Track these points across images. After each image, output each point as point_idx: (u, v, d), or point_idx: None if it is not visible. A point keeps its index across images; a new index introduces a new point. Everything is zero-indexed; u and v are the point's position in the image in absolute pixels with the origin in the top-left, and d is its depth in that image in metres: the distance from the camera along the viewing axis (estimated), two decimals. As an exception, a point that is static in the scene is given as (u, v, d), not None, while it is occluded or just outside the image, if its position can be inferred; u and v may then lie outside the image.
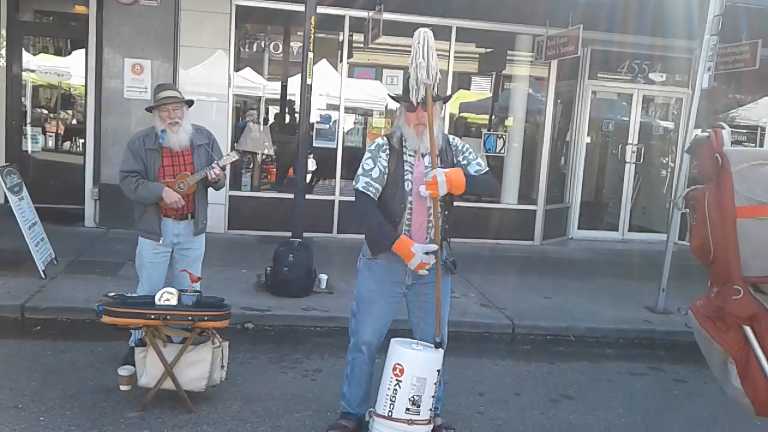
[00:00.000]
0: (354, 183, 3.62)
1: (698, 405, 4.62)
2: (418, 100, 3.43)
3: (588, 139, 10.41)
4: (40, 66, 10.84)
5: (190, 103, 4.49)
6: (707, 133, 2.08)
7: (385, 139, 3.67)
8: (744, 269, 1.96)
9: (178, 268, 4.52)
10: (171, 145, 4.33)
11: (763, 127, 10.73)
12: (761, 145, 10.63)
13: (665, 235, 6.74)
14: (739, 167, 1.99)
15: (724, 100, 11.12)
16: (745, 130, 10.99)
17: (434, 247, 3.53)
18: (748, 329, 1.98)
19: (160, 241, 4.41)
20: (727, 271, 1.99)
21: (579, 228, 10.25)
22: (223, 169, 4.45)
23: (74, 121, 12.45)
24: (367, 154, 3.63)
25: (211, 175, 4.33)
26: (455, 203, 3.73)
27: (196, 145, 4.42)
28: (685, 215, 2.19)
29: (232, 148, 8.86)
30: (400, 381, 3.55)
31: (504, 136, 9.69)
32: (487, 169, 3.77)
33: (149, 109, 4.42)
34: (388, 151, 3.60)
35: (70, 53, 10.99)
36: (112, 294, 4.11)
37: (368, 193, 3.56)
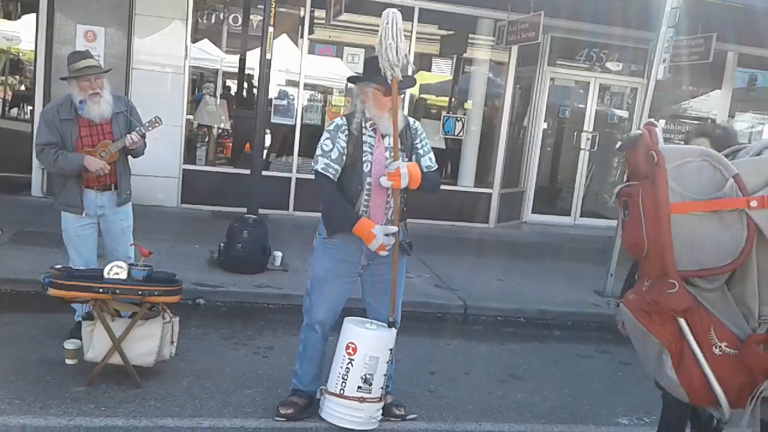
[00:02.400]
0: (313, 164, 3.59)
1: (642, 387, 4.75)
2: (389, 81, 3.40)
3: (545, 125, 10.53)
4: (-13, 29, 10.44)
5: (107, 71, 4.31)
6: (640, 131, 2.13)
7: (344, 119, 3.64)
8: (678, 263, 2.01)
9: (108, 240, 4.42)
10: (92, 116, 4.17)
11: (713, 119, 11.00)
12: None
13: (615, 221, 6.88)
14: (673, 164, 2.04)
15: (677, 91, 11.35)
16: (696, 122, 11.25)
17: (394, 228, 3.54)
18: (682, 322, 2.02)
19: (83, 214, 4.28)
20: (661, 266, 2.03)
21: (533, 212, 10.39)
22: (143, 136, 4.31)
23: (22, 87, 12.04)
24: (325, 135, 3.60)
25: (128, 141, 4.19)
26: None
27: (114, 113, 4.26)
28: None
29: (187, 121, 8.70)
30: (353, 359, 3.57)
31: (463, 119, 9.73)
32: (436, 166, 3.79)
33: (64, 78, 4.25)
34: (347, 132, 3.57)
35: (20, 17, 10.60)
36: (59, 266, 4.00)
37: (328, 174, 3.53)
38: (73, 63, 4.18)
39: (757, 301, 2.01)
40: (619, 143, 2.33)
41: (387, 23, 3.35)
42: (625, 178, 2.32)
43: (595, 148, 10.47)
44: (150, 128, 4.33)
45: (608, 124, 11.21)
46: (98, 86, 4.15)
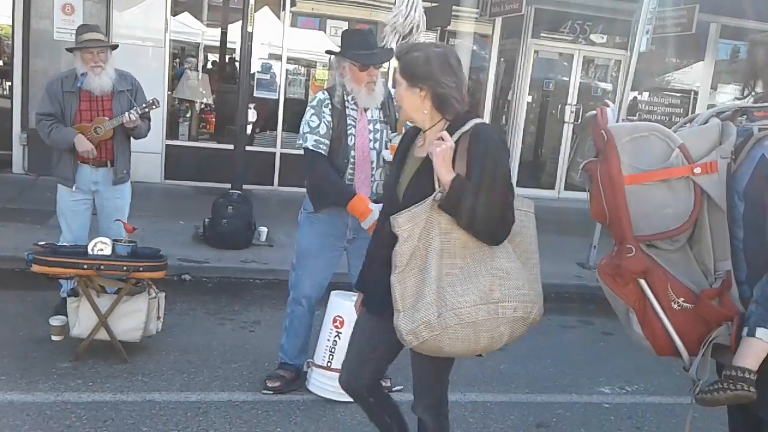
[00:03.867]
0: (301, 141, 3.56)
1: (623, 356, 4.85)
2: (391, 46, 3.40)
3: (529, 99, 10.54)
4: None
5: (114, 47, 4.32)
6: (595, 112, 2.33)
7: (326, 93, 3.62)
8: (636, 229, 2.20)
9: (102, 218, 4.41)
10: (92, 88, 4.16)
11: (696, 91, 11.07)
12: (694, 109, 10.99)
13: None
14: (622, 141, 2.23)
15: (661, 63, 11.39)
16: (679, 94, 11.31)
17: None
18: (642, 282, 2.21)
19: (74, 188, 4.27)
20: (621, 233, 2.23)
21: (517, 186, 10.37)
22: (142, 116, 4.29)
23: (0, 62, 11.82)
24: (310, 111, 3.57)
25: (125, 119, 4.18)
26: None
27: (117, 90, 4.25)
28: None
29: (168, 96, 8.61)
30: (340, 332, 3.60)
31: (447, 93, 9.69)
32: None
33: (70, 50, 4.24)
34: (330, 107, 3.56)
35: (-6, -10, 10.35)
36: (43, 243, 3.99)
37: (319, 150, 3.51)
38: (79, 35, 4.20)
39: (712, 259, 2.19)
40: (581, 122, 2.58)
41: None
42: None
43: (579, 121, 10.49)
44: (147, 109, 4.31)
45: (592, 97, 11.23)
46: (101, 60, 4.15)
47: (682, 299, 2.18)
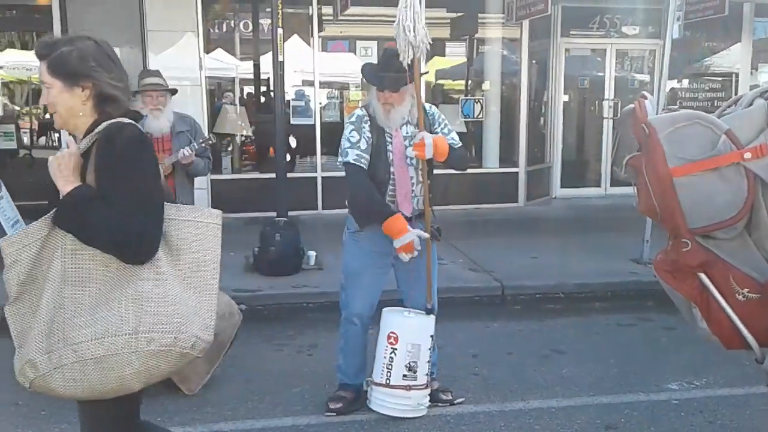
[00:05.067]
0: (342, 157, 3.60)
1: (688, 350, 4.73)
2: (409, 62, 3.43)
3: (565, 98, 10.44)
4: (7, 62, 10.68)
5: (173, 91, 4.52)
6: (633, 105, 2.27)
7: (363, 110, 3.68)
8: (690, 221, 2.14)
9: None
10: (152, 130, 4.35)
11: (736, 74, 10.80)
12: (737, 91, 10.72)
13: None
14: (664, 132, 2.17)
15: (697, 48, 11.16)
16: (720, 78, 11.05)
17: (426, 235, 3.57)
18: (702, 276, 2.15)
19: None
20: (674, 227, 2.17)
21: (562, 187, 10.33)
22: (200, 154, 4.45)
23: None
24: (349, 127, 3.62)
25: (180, 155, 4.34)
26: (434, 171, 3.77)
27: (177, 131, 4.46)
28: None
29: (209, 132, 8.82)
30: (396, 349, 3.61)
31: (481, 101, 9.69)
32: (461, 144, 3.82)
33: (132, 94, 4.43)
34: (369, 122, 3.60)
35: (36, 46, 10.81)
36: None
37: (360, 164, 3.54)
38: (141, 80, 4.44)
39: None
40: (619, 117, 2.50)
41: (405, 7, 3.40)
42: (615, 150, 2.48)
43: (618, 115, 10.33)
44: (203, 144, 4.48)
45: (629, 90, 11.06)
46: (160, 103, 4.38)
47: (747, 289, 2.11)
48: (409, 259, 3.52)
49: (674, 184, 2.13)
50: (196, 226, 2.01)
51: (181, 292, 1.94)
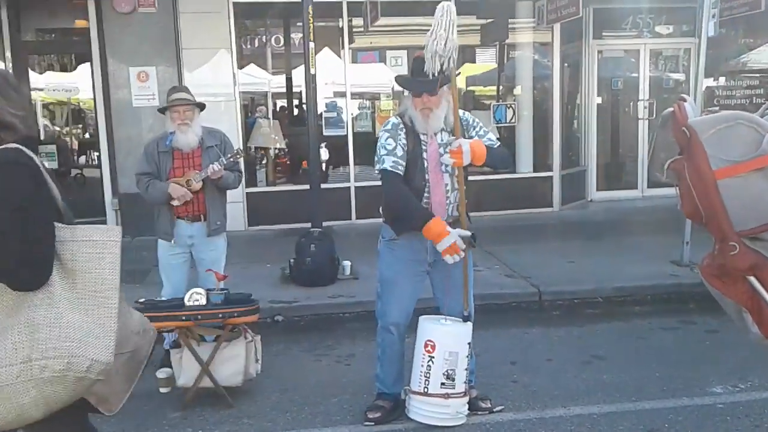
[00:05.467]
0: (378, 164, 3.61)
1: (732, 353, 4.62)
2: (434, 72, 3.44)
3: (599, 100, 10.32)
4: (47, 84, 10.97)
5: (201, 106, 4.55)
6: (672, 108, 2.22)
7: (398, 118, 3.69)
8: (737, 224, 2.09)
9: (200, 270, 4.60)
10: (180, 145, 4.41)
11: (775, 69, 10.55)
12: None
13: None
14: (706, 134, 2.13)
15: (733, 46, 10.93)
16: (758, 75, 10.80)
17: (468, 233, 3.56)
18: (752, 279, 2.10)
19: (172, 242, 4.49)
20: (720, 230, 2.12)
21: (598, 190, 10.20)
22: (230, 168, 4.48)
23: (86, 135, 12.59)
24: (385, 135, 3.63)
25: (210, 171, 4.35)
26: (468, 177, 3.76)
27: (206, 146, 4.48)
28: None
29: (244, 146, 8.93)
30: (433, 357, 3.60)
31: (513, 106, 9.64)
32: (499, 142, 3.80)
33: (162, 111, 4.51)
34: (404, 130, 3.62)
35: (75, 68, 11.10)
36: (142, 300, 4.19)
37: (397, 171, 3.56)
38: (168, 96, 4.50)
39: None
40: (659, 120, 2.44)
41: (441, 15, 3.42)
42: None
43: (654, 116, 10.18)
44: (231, 159, 4.50)
45: (665, 89, 10.90)
46: (188, 117, 4.39)
47: None
48: (453, 262, 3.50)
49: (718, 187, 2.09)
50: (92, 246, 1.97)
51: (76, 316, 1.89)
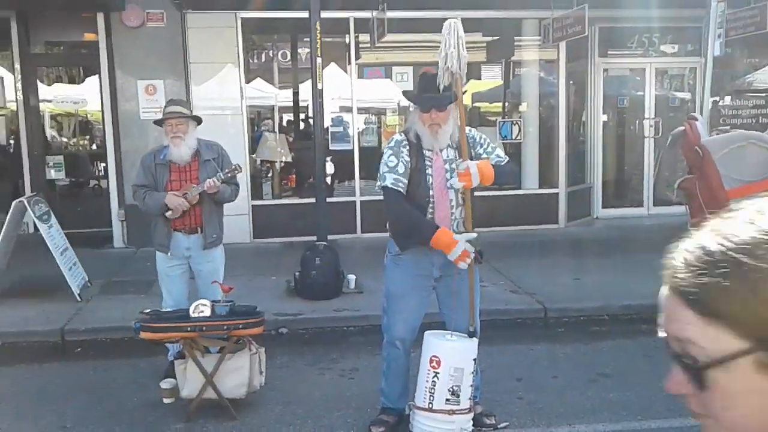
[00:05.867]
0: (380, 181, 3.62)
1: (739, 373, 4.58)
2: (444, 87, 3.47)
3: (604, 117, 10.34)
4: (56, 96, 11.05)
5: (197, 119, 4.53)
6: (683, 127, 2.22)
7: (402, 135, 3.70)
8: None
9: (199, 282, 4.59)
10: (173, 158, 4.39)
11: (781, 90, 10.57)
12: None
13: (691, 206, 6.68)
14: (720, 154, 2.11)
15: (740, 65, 10.97)
16: (764, 94, 10.82)
17: (474, 234, 3.56)
18: None
19: (168, 254, 4.47)
20: None
21: (603, 207, 10.19)
22: (228, 182, 4.47)
23: (94, 146, 12.65)
24: (388, 152, 3.65)
25: (206, 185, 4.33)
26: (474, 193, 3.76)
27: (203, 159, 4.45)
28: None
29: (250, 159, 8.96)
30: (438, 373, 3.58)
31: (519, 122, 9.67)
32: (507, 158, 3.81)
33: (158, 123, 4.51)
34: (408, 147, 3.63)
35: (83, 80, 11.19)
36: (147, 310, 4.19)
37: (398, 188, 3.57)
38: (163, 109, 4.50)
39: None
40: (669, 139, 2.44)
41: (448, 33, 3.44)
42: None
43: (659, 134, 10.19)
44: (229, 174, 4.48)
45: (670, 108, 10.92)
46: (180, 131, 4.36)
47: None
48: (466, 267, 3.51)
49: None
50: None
51: None
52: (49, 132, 11.69)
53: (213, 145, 4.59)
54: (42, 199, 6.63)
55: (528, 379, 4.61)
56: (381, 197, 3.67)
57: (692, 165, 2.18)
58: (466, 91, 3.85)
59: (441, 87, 3.49)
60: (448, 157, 3.64)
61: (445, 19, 3.56)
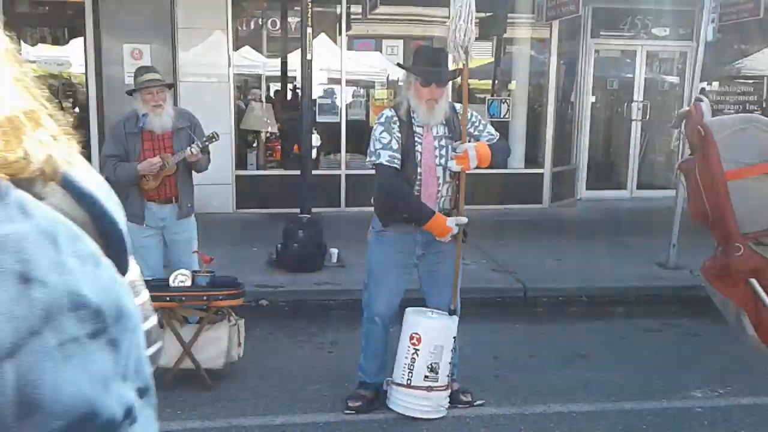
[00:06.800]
0: (373, 158, 3.58)
1: (712, 358, 4.66)
2: (458, 61, 3.44)
3: (593, 99, 10.34)
4: (39, 56, 10.82)
5: (171, 86, 4.46)
6: (688, 108, 2.22)
7: (392, 110, 3.66)
8: (743, 227, 2.10)
9: (174, 252, 4.55)
10: (154, 127, 4.28)
11: (770, 77, 10.60)
12: (768, 95, 10.55)
13: (674, 191, 6.72)
14: (721, 135, 2.15)
15: (729, 51, 10.97)
16: (752, 81, 10.85)
17: (465, 219, 3.56)
18: (754, 281, 2.12)
19: (144, 225, 4.39)
20: (726, 231, 2.14)
21: (587, 188, 10.23)
22: (203, 150, 4.40)
23: (76, 110, 12.47)
24: (379, 128, 3.60)
25: (188, 153, 4.27)
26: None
27: (177, 128, 4.36)
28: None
29: (236, 128, 8.87)
30: (418, 349, 3.60)
31: (508, 101, 9.63)
32: (498, 134, 3.78)
33: (130, 93, 4.40)
34: (398, 123, 3.59)
35: (68, 42, 10.95)
36: (127, 279, 4.15)
37: (394, 165, 3.53)
38: (138, 77, 4.34)
39: None
40: (672, 121, 2.45)
41: (461, 5, 3.39)
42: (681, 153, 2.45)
43: (647, 117, 10.22)
44: (208, 143, 4.41)
45: (659, 92, 10.93)
46: (160, 99, 4.27)
47: None
48: (448, 240, 3.55)
49: (728, 188, 2.10)
50: None
51: None
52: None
53: (184, 113, 4.51)
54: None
55: (505, 358, 4.65)
56: (367, 171, 3.64)
57: (693, 145, 2.19)
58: (459, 73, 3.78)
59: (450, 61, 3.46)
60: (437, 133, 3.61)
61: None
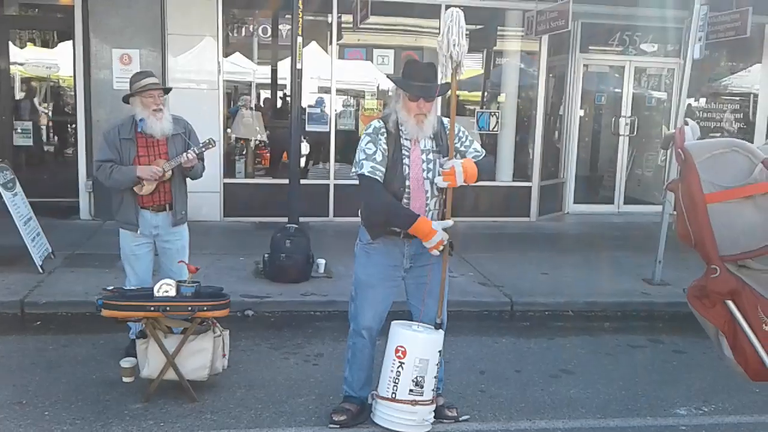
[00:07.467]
0: (356, 168, 3.56)
1: (697, 375, 4.67)
2: (448, 76, 3.44)
3: (581, 113, 10.39)
4: (27, 59, 10.74)
5: (168, 90, 4.46)
6: (674, 131, 2.28)
7: (381, 122, 3.65)
8: (723, 249, 2.13)
9: (164, 260, 4.51)
10: (154, 132, 4.25)
11: (755, 94, 10.72)
12: (754, 112, 10.65)
13: (661, 207, 6.76)
14: (701, 158, 2.17)
15: (716, 68, 11.09)
16: (738, 98, 10.97)
17: (450, 222, 3.54)
18: (730, 303, 2.14)
19: (137, 232, 4.37)
20: (705, 253, 2.17)
21: (575, 202, 10.27)
22: (199, 156, 4.38)
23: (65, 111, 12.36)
24: (366, 138, 3.59)
25: (184, 159, 4.25)
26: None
27: (172, 134, 4.33)
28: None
29: (224, 135, 8.83)
30: (403, 363, 3.58)
31: (497, 114, 9.67)
32: (484, 152, 3.78)
33: (126, 99, 4.35)
34: (386, 134, 3.58)
35: (57, 45, 10.88)
36: (111, 287, 4.11)
37: (376, 177, 3.52)
38: (137, 81, 4.28)
39: None
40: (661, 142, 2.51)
41: (451, 21, 3.39)
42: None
43: (635, 132, 10.30)
44: (204, 149, 4.38)
45: (647, 107, 11.02)
46: (161, 103, 4.26)
47: None
48: (438, 254, 3.54)
49: (708, 211, 2.12)
50: None
51: None
52: (19, 96, 11.38)
53: (180, 120, 4.47)
54: (7, 166, 6.47)
55: (491, 372, 4.64)
56: (356, 182, 3.62)
57: (679, 167, 2.23)
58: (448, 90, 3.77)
59: (441, 76, 3.45)
60: (425, 147, 3.60)
61: (431, 5, 3.52)
